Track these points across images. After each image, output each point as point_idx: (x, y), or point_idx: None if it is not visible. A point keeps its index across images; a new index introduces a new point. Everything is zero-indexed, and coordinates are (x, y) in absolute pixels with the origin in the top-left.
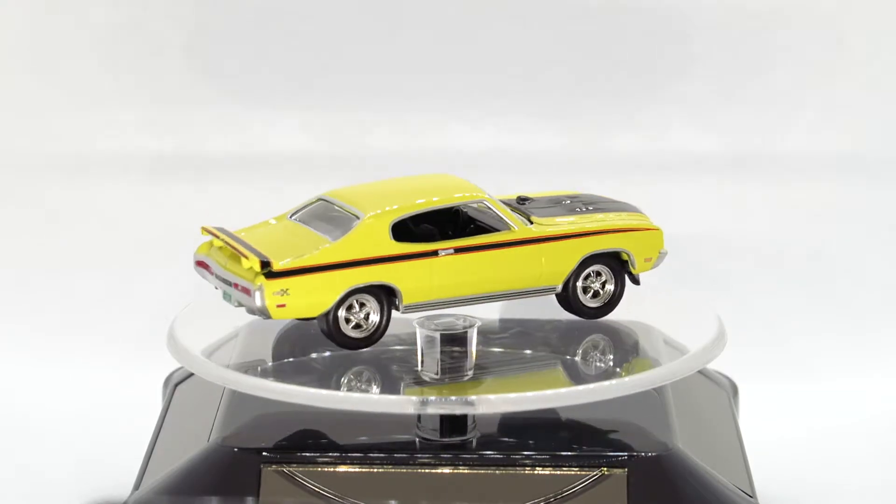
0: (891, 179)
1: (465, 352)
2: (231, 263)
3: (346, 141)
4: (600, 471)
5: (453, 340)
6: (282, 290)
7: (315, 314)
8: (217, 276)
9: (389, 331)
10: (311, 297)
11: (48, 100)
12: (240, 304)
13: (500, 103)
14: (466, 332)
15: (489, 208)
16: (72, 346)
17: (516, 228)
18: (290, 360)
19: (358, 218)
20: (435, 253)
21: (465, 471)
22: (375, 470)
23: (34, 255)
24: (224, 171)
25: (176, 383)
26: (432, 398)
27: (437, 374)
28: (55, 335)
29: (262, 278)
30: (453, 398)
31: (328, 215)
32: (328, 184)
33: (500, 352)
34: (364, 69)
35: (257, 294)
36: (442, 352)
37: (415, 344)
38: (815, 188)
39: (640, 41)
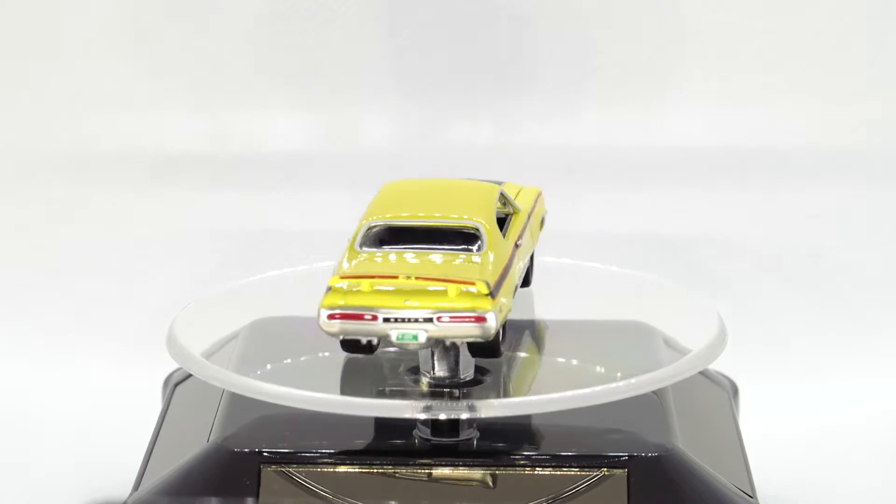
0: (891, 179)
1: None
2: (419, 298)
3: (346, 142)
4: (600, 471)
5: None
6: (500, 307)
7: (503, 321)
8: (394, 320)
9: None
10: (507, 308)
11: (48, 100)
12: (429, 339)
13: (497, 102)
14: None
15: (503, 195)
16: (72, 347)
17: (521, 209)
18: (289, 361)
19: (473, 226)
20: (517, 244)
21: (465, 471)
22: (375, 470)
23: (34, 255)
24: (224, 171)
25: (176, 383)
26: (434, 402)
27: (445, 376)
28: (55, 335)
29: (491, 300)
30: (456, 403)
31: (410, 234)
32: (328, 184)
33: None
34: (363, 69)
35: (493, 316)
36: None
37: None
38: (815, 188)
39: (641, 40)
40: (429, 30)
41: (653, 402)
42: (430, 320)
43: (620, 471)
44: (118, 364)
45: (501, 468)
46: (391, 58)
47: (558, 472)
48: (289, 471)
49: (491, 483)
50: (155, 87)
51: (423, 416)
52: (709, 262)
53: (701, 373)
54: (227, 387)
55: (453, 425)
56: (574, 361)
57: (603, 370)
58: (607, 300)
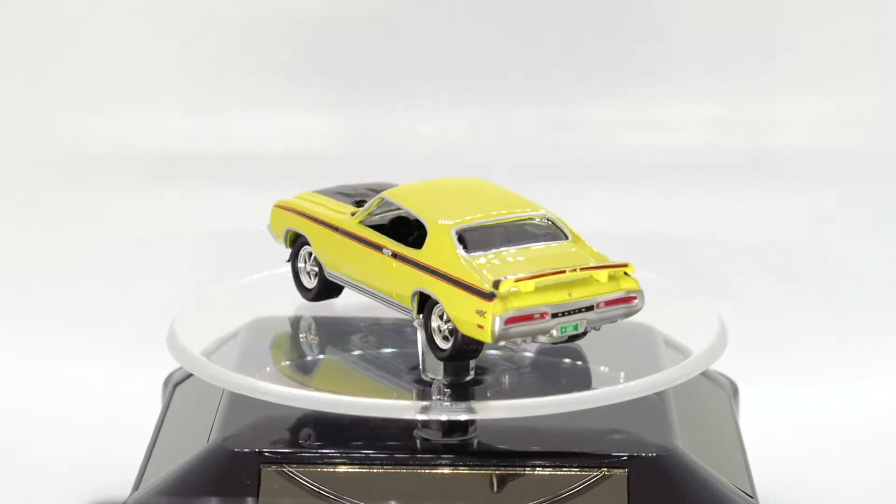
0: (891, 179)
1: None
2: (579, 289)
3: (342, 141)
4: (601, 471)
5: None
6: None
7: None
8: (561, 314)
9: (384, 330)
10: None
11: (48, 100)
12: (591, 325)
13: (497, 101)
14: None
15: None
16: (72, 346)
17: None
18: (289, 362)
19: (544, 218)
20: None
21: (466, 471)
22: (375, 470)
23: (34, 255)
24: (224, 171)
25: (176, 383)
26: (434, 403)
27: (442, 375)
28: (55, 335)
29: (636, 280)
30: (455, 404)
31: (491, 235)
32: (327, 184)
33: (499, 353)
34: (361, 69)
35: (643, 294)
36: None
37: (412, 345)
38: (816, 188)
39: (640, 40)
40: (429, 29)
41: (653, 402)
42: (590, 308)
43: (621, 471)
44: (118, 364)
45: (502, 468)
46: (392, 58)
47: (558, 472)
48: (289, 471)
49: (491, 483)
50: (155, 87)
51: (422, 417)
52: (709, 262)
53: (701, 373)
54: (228, 386)
55: (454, 426)
56: (578, 363)
57: (604, 371)
58: None
